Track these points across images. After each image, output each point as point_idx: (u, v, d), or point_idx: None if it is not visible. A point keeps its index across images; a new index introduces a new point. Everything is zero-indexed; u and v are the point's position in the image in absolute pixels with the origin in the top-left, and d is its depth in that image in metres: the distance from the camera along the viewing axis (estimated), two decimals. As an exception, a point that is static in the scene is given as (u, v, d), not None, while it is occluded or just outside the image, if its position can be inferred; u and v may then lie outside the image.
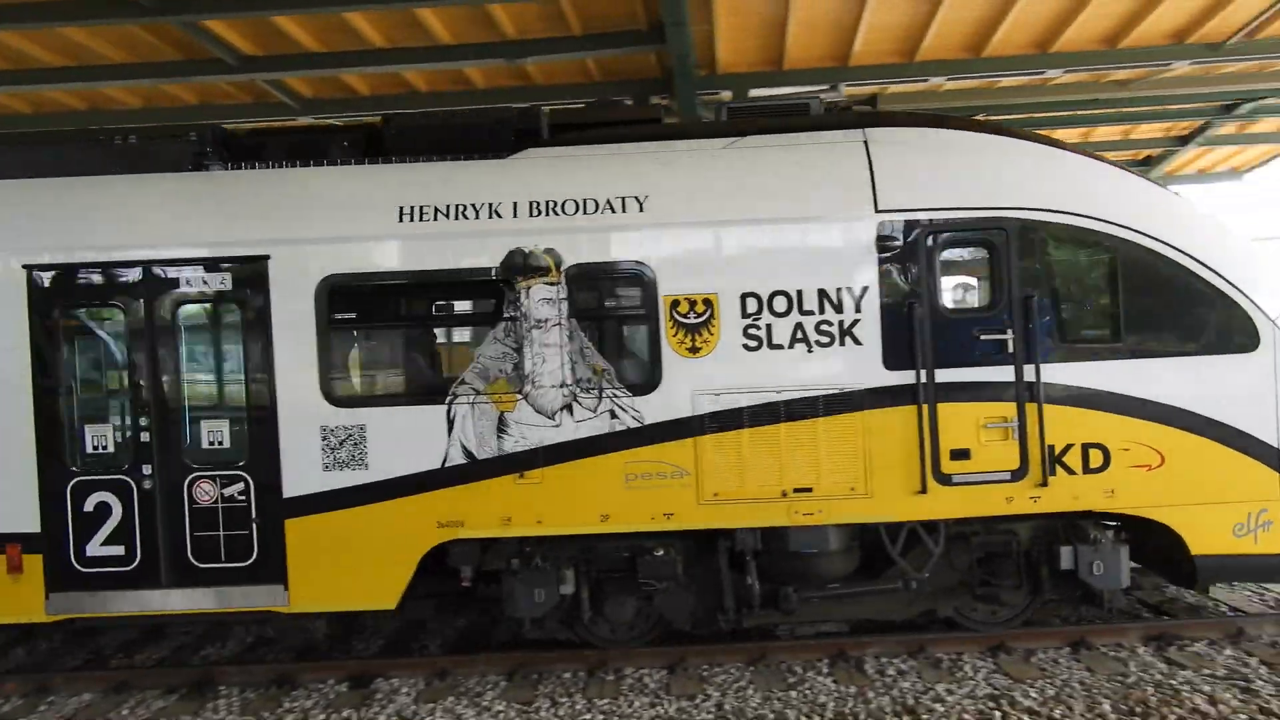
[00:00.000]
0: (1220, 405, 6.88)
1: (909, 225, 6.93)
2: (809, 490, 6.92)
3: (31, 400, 6.99)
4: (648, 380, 7.02)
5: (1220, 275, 6.93)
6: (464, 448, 6.96)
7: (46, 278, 7.07)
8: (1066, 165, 7.32)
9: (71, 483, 7.02)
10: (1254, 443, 6.89)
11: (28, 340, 7.00)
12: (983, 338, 6.94)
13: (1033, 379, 6.85)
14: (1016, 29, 13.42)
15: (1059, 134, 14.83)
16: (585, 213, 7.03)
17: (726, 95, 14.15)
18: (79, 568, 7.01)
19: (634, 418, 6.95)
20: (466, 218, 7.02)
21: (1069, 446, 6.88)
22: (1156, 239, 6.95)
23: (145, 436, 7.05)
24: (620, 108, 9.38)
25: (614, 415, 6.95)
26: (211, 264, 7.11)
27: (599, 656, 7.26)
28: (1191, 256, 6.94)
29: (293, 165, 7.37)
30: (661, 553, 7.02)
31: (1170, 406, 6.87)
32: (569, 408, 6.96)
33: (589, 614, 7.26)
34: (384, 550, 6.97)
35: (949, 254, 7.28)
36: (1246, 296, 6.92)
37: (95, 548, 7.00)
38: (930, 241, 6.98)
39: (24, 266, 7.03)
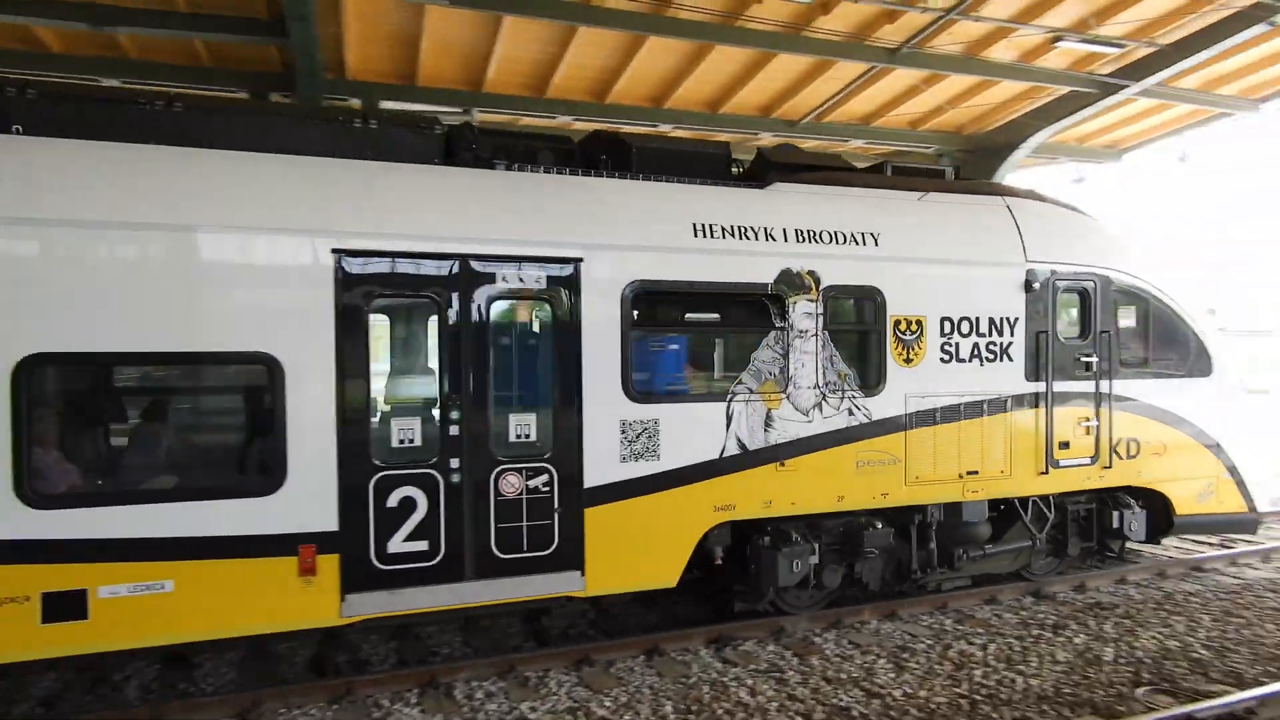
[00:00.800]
0: (1192, 412, 9.87)
1: (1042, 272, 9.07)
2: (976, 473, 8.82)
3: (334, 391, 6.56)
4: (876, 384, 8.40)
5: (1195, 325, 10.01)
6: (738, 440, 7.86)
7: (356, 264, 6.66)
8: (1126, 239, 10.37)
9: (375, 478, 6.67)
10: (1207, 437, 9.92)
11: (333, 328, 6.56)
12: (1080, 358, 9.29)
13: (1106, 391, 9.34)
14: (635, 82, 14.57)
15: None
16: (837, 243, 8.30)
17: (355, 104, 13.68)
18: (379, 566, 6.70)
19: (865, 415, 8.34)
20: (748, 238, 7.93)
21: (1120, 439, 9.47)
22: (1166, 296, 9.86)
23: (455, 430, 6.91)
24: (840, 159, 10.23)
25: (851, 413, 8.30)
26: (528, 262, 7.17)
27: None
28: (1185, 311, 9.96)
29: (562, 171, 7.79)
30: (880, 525, 8.48)
31: (1171, 412, 9.76)
32: (819, 405, 8.18)
33: (815, 582, 8.40)
34: (670, 533, 7.64)
35: (1063, 297, 9.34)
36: (1207, 340, 10.06)
37: (397, 544, 6.73)
38: (1054, 286, 9.16)
39: (333, 251, 6.57)
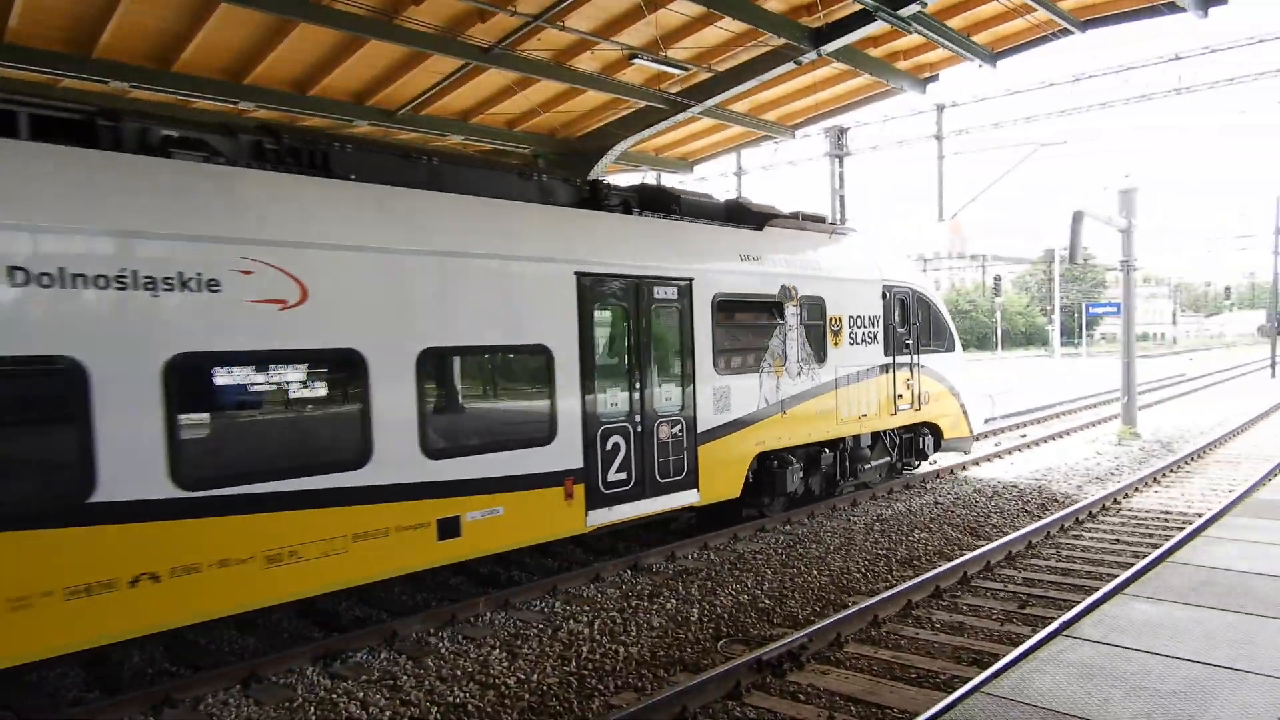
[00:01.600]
0: (947, 373, 15.30)
1: (889, 286, 13.87)
2: (865, 415, 13.28)
3: (579, 371, 9.35)
4: (822, 359, 12.49)
5: (947, 318, 15.58)
6: (765, 398, 11.57)
7: (588, 281, 9.47)
8: (908, 261, 18.30)
9: (599, 430, 9.56)
10: (954, 389, 15.49)
11: (576, 327, 9.32)
12: (904, 341, 14.16)
13: (916, 361, 14.38)
14: (206, 51, 13.07)
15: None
16: (806, 268, 12.36)
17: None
18: (604, 491, 9.60)
19: (817, 379, 12.39)
20: (764, 263, 11.71)
21: (922, 392, 14.49)
22: (936, 300, 15.37)
23: (637, 395, 9.99)
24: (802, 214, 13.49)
25: (812, 378, 12.28)
26: (667, 280, 10.35)
27: None
28: (944, 309, 15.60)
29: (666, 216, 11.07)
30: (826, 451, 12.82)
31: (939, 374, 15.04)
32: (800, 373, 12.10)
33: (802, 489, 12.46)
34: (737, 461, 11.28)
35: (896, 302, 14.03)
36: (952, 328, 15.73)
37: (611, 475, 9.69)
38: (893, 295, 13.97)
39: (575, 273, 9.35)
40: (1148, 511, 12.71)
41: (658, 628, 8.21)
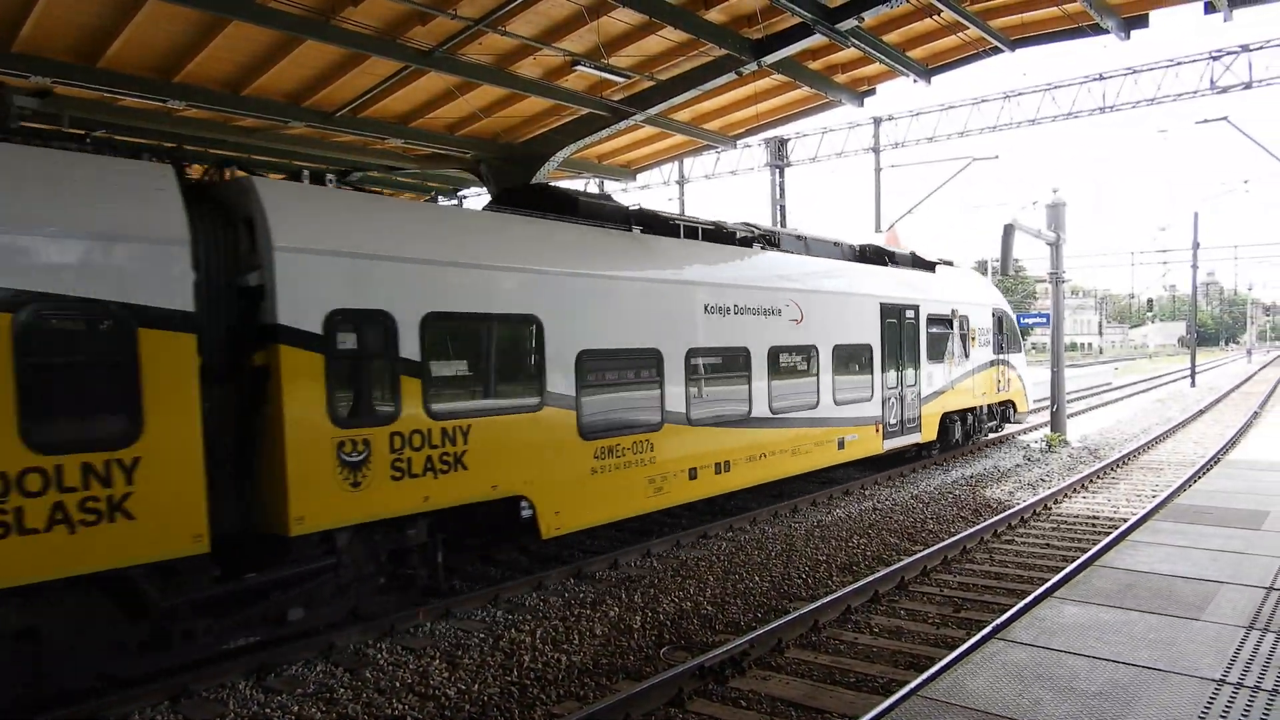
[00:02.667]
0: (1018, 366, 22.16)
1: (994, 308, 20.65)
2: (985, 394, 20.14)
3: (881, 361, 15.65)
4: (967, 356, 18.97)
5: (1018, 329, 22.88)
6: (945, 380, 18.22)
7: (885, 308, 16.12)
8: (998, 291, 23.62)
9: (885, 393, 15.74)
10: (1020, 377, 21.85)
11: (880, 333, 15.83)
12: (1000, 344, 20.92)
13: (1005, 359, 21.17)
14: (135, 47, 12.68)
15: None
16: (960, 297, 18.76)
17: None
18: (889, 429, 15.88)
19: (965, 369, 18.93)
20: (944, 294, 18.21)
21: (1008, 380, 21.71)
22: (1010, 316, 21.57)
23: (899, 377, 16.34)
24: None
25: (963, 368, 18.97)
26: (909, 306, 16.85)
27: None
28: (1016, 323, 23.14)
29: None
30: (969, 416, 19.74)
31: (1016, 367, 21.74)
32: (959, 365, 18.68)
33: (960, 438, 19.58)
34: (935, 417, 17.82)
35: (996, 319, 20.61)
36: (1018, 336, 22.22)
37: (890, 421, 15.91)
38: (995, 314, 20.70)
39: (879, 304, 15.95)
40: (1076, 516, 13.10)
41: (600, 635, 8.17)
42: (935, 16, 14.25)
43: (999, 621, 7.84)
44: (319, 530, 7.50)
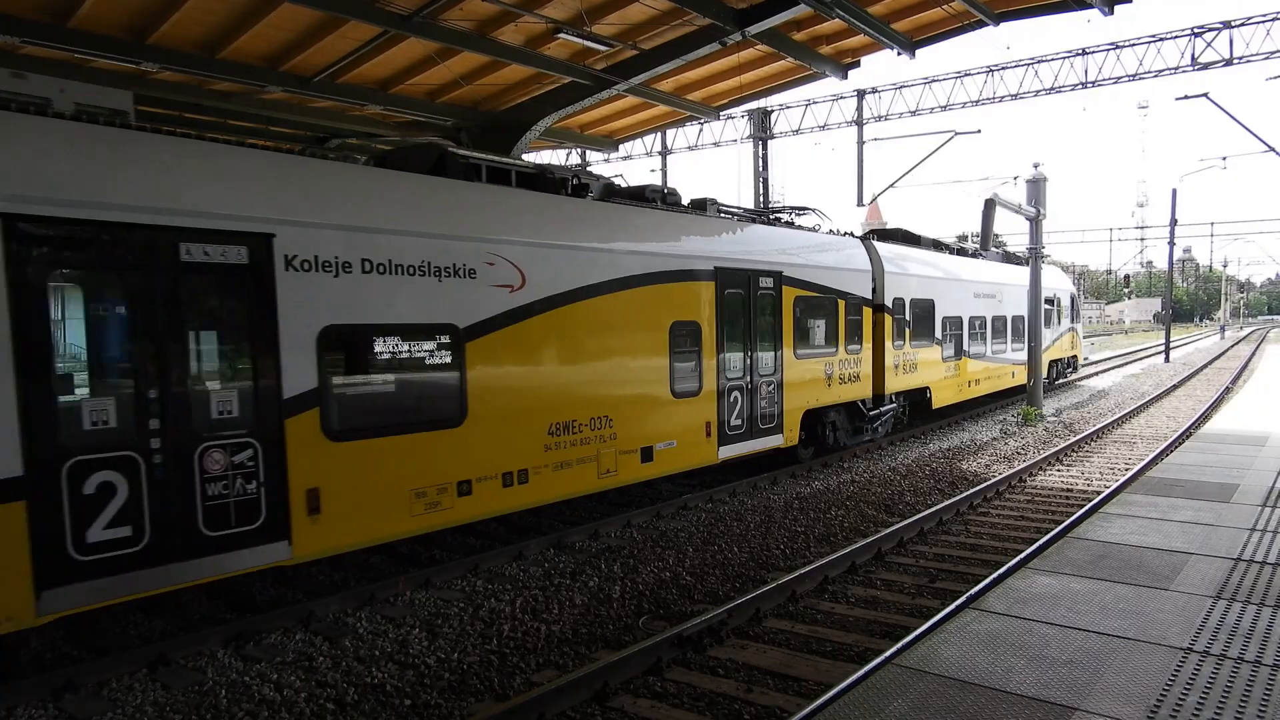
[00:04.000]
0: (1079, 331, 32.04)
1: (1070, 292, 30.30)
2: (1066, 348, 29.11)
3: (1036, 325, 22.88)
4: (1060, 322, 28.07)
5: (1079, 306, 32.26)
6: (1053, 338, 27.20)
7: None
8: (1070, 277, 34.93)
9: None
10: (1079, 338, 31.50)
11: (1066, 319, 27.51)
12: (1071, 315, 30.01)
13: (1075, 326, 30.94)
14: (106, 6, 12.39)
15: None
16: (1054, 283, 28.08)
17: None
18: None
19: (1059, 331, 28.15)
20: (1050, 281, 27.08)
21: (1075, 340, 30.86)
22: (1068, 294, 29.82)
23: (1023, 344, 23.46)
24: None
25: (1057, 331, 28.11)
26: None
27: None
28: (1078, 300, 31.82)
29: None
30: (1060, 364, 28.98)
31: (1078, 331, 31.63)
32: (1059, 327, 28.10)
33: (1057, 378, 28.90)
34: (1046, 364, 26.02)
35: (1070, 297, 30.29)
36: (1080, 311, 32.22)
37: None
38: (1070, 294, 30.37)
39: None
40: (1051, 489, 13.27)
41: (580, 605, 8.22)
42: (920, -12, 14.18)
43: (973, 592, 7.95)
44: None
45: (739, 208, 14.00)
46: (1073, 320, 29.40)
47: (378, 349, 8.07)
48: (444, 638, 7.44)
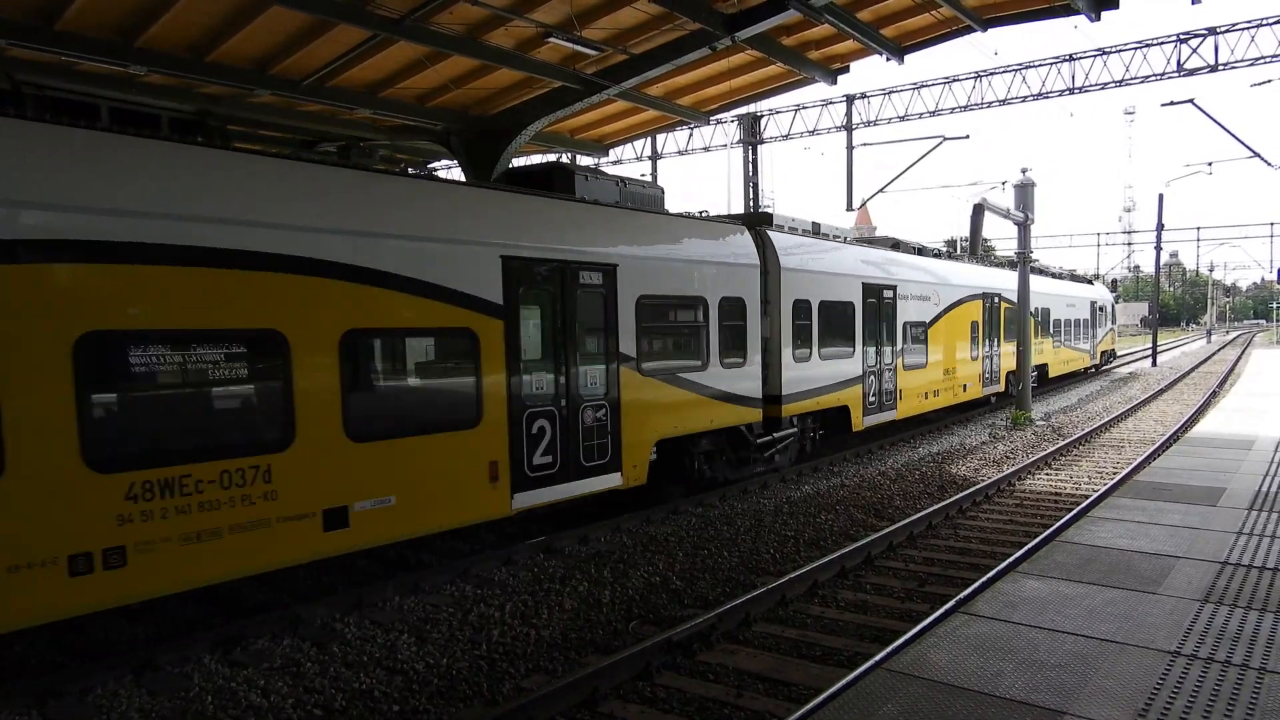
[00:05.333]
0: (1114, 332, 43.24)
1: (1110, 301, 41.57)
2: (1106, 344, 40.26)
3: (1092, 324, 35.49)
4: (1103, 325, 39.07)
5: (1116, 308, 46.09)
6: (1093, 338, 36.89)
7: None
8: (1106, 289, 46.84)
9: (1094, 341, 36.51)
10: (1114, 337, 43.10)
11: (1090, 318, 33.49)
12: (1109, 319, 41.67)
13: (1113, 327, 42.93)
14: (94, 8, 12.31)
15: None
16: (1104, 296, 39.91)
17: None
18: (1101, 356, 38.56)
19: (1100, 333, 38.99)
20: (1094, 294, 37.41)
21: (1110, 339, 42.70)
22: (1114, 302, 45.34)
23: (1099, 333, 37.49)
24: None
25: (1100, 332, 38.76)
26: (1081, 301, 34.47)
27: None
28: (1117, 306, 46.13)
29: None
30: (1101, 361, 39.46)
31: (1112, 331, 42.51)
32: (1102, 329, 39.13)
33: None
34: (1082, 360, 34.82)
35: (1110, 303, 42.30)
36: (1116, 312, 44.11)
37: (1094, 354, 36.12)
38: (1110, 302, 42.08)
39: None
40: (1039, 493, 13.32)
41: (570, 610, 8.20)
42: (909, -6, 14.23)
43: (962, 596, 7.97)
44: None
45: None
46: (1112, 323, 40.58)
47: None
48: (433, 643, 7.41)
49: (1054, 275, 32.25)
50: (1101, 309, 37.23)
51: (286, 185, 7.64)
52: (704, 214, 13.49)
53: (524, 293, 9.43)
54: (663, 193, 12.80)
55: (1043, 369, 27.50)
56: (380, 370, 8.36)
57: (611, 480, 10.57)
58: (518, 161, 21.15)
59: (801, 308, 14.33)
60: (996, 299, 23.09)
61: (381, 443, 8.01)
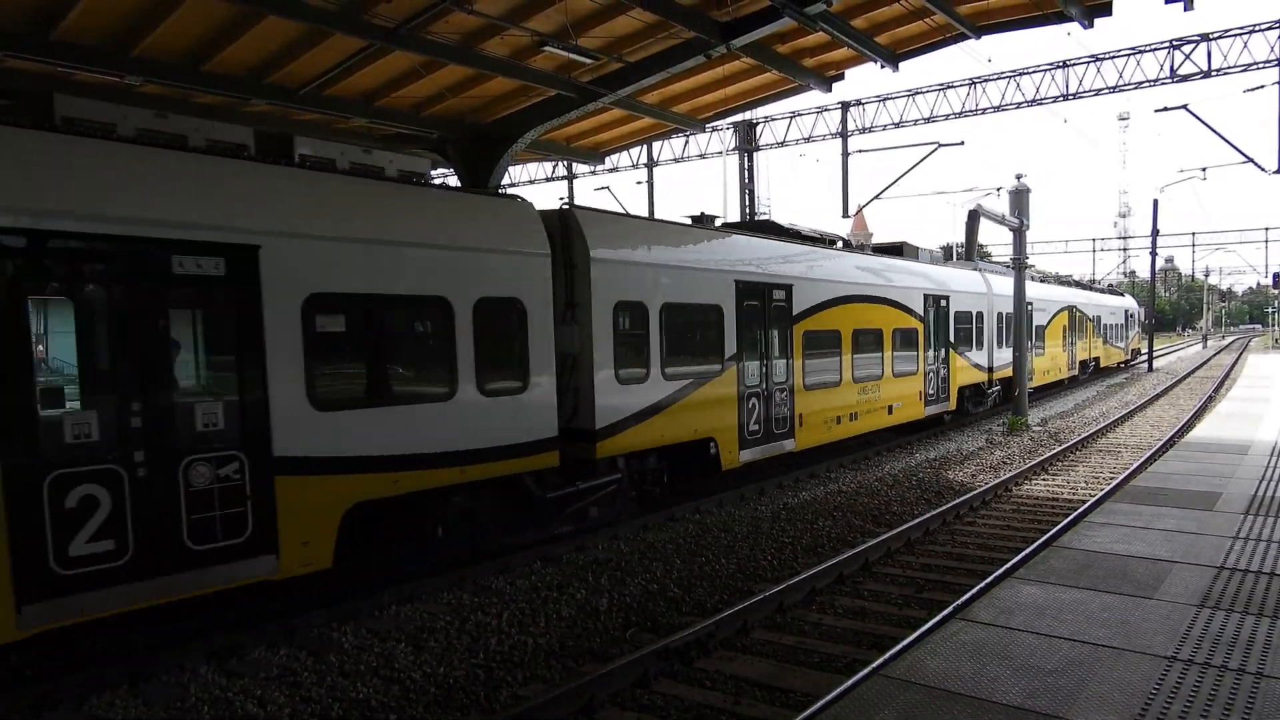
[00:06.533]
0: (1138, 336, 52.34)
1: (1135, 309, 49.81)
2: (1135, 347, 50.67)
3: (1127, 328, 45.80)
4: (1132, 330, 48.65)
5: (1140, 313, 53.30)
6: (1121, 340, 45.91)
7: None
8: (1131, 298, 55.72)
9: (1124, 340, 46.45)
10: (1140, 340, 51.83)
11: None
12: (1134, 324, 50.26)
13: (1138, 332, 52.17)
14: (90, 18, 12.33)
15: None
16: (1132, 305, 49.26)
17: None
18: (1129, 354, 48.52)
19: (1128, 336, 49.16)
20: (1123, 302, 47.51)
21: (1135, 342, 51.35)
22: (1139, 309, 53.04)
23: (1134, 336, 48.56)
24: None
25: (1128, 336, 47.66)
26: (1118, 310, 44.62)
27: None
28: (1140, 311, 53.33)
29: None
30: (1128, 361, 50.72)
31: (1137, 335, 51.08)
32: (1129, 332, 48.55)
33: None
34: (1118, 354, 44.92)
35: (1139, 310, 51.27)
36: (1140, 316, 53.19)
37: (1127, 351, 47.71)
38: (1136, 310, 50.90)
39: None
40: (1036, 498, 13.33)
41: (567, 618, 8.19)
42: (902, 2, 14.30)
43: (959, 602, 7.97)
44: None
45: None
46: (1136, 326, 47.93)
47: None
48: (430, 652, 7.39)
49: (1100, 290, 42.89)
50: (1131, 315, 46.50)
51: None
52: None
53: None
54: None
55: (1096, 361, 37.84)
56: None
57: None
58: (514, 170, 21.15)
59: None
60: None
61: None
